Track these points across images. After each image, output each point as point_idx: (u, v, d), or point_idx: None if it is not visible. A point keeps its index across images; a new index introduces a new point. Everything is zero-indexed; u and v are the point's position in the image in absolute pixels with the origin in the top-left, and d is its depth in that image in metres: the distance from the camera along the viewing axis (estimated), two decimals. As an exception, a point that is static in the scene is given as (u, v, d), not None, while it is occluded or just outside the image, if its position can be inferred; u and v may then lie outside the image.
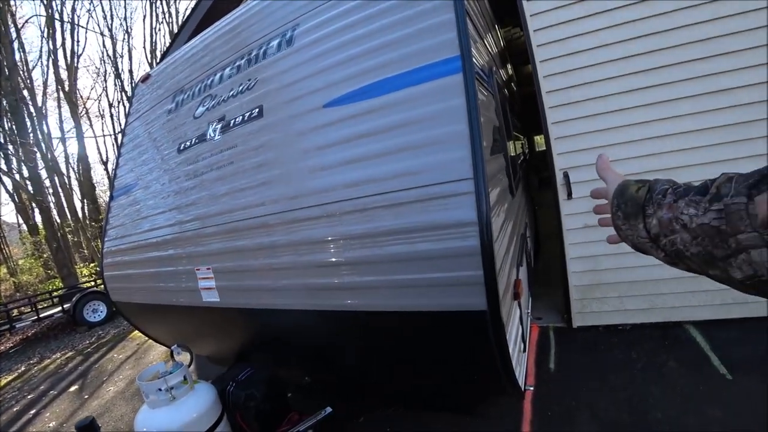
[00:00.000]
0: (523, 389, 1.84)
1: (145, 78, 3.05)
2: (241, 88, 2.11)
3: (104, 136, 19.71)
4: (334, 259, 1.69)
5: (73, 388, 5.05)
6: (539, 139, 11.88)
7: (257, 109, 1.99)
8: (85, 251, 16.31)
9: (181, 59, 2.68)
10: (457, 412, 2.67)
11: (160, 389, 2.00)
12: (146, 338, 4.38)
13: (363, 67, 1.68)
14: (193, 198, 2.26)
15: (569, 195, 3.24)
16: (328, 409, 2.32)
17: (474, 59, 1.63)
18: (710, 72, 2.91)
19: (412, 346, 1.74)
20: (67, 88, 16.43)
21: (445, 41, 1.54)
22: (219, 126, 2.17)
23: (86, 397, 4.64)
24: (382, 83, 1.60)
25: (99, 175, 20.27)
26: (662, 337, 3.29)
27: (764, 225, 0.39)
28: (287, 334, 2.21)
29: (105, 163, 19.77)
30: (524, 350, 2.06)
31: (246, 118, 2.04)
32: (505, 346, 1.46)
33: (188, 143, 2.34)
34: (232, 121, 2.11)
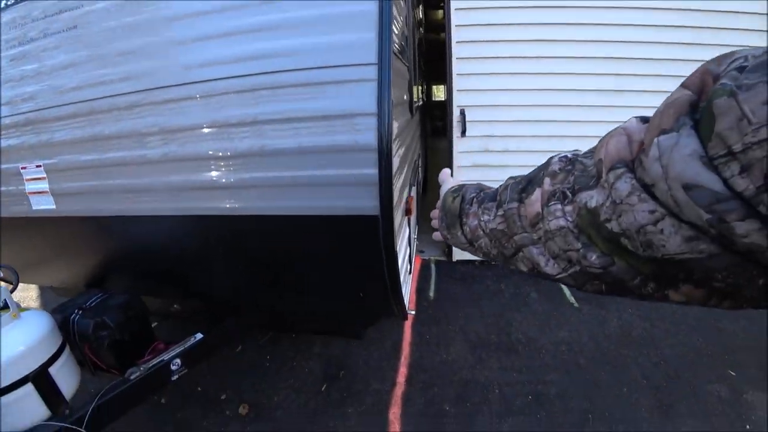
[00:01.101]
0: (407, 311, 1.85)
1: None
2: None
3: None
4: (211, 152, 1.42)
5: None
6: (437, 91, 12.16)
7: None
8: None
9: None
10: (343, 336, 2.68)
11: (-33, 319, 1.56)
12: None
13: None
14: (17, 72, 1.72)
15: (463, 132, 3.30)
16: (199, 335, 2.09)
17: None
18: (613, 39, 3.13)
19: (295, 259, 1.59)
20: None
21: None
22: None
23: None
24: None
25: None
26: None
27: (531, 225, 0.43)
28: (149, 249, 1.89)
29: None
30: (410, 272, 2.06)
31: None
32: (394, 258, 1.40)
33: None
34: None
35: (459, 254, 3.83)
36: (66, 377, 1.77)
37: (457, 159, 3.42)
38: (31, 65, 1.73)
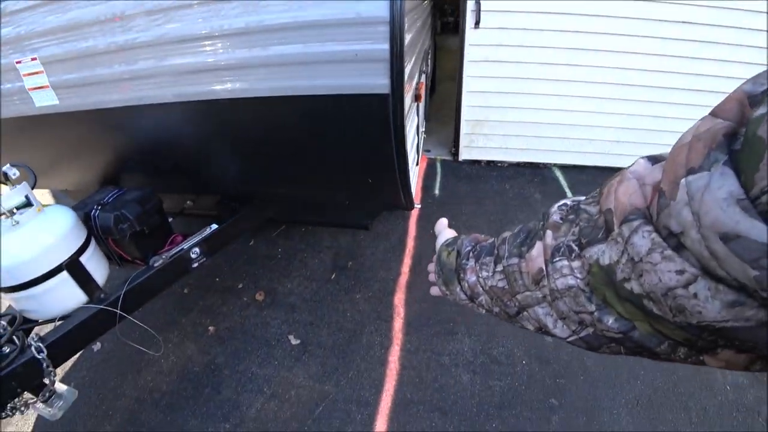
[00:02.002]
0: (413, 200, 1.89)
1: None
2: None
3: None
4: (205, 31, 1.35)
5: None
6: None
7: None
8: None
9: None
10: (351, 227, 2.79)
11: (-4, 215, 1.60)
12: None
13: None
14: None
15: (477, 23, 3.08)
16: (214, 226, 2.18)
17: None
18: None
19: (304, 142, 1.57)
20: None
21: None
22: None
23: None
24: None
25: None
26: (532, 174, 3.71)
27: (534, 282, 0.39)
28: (156, 140, 1.87)
29: None
30: (417, 163, 2.07)
31: None
32: (404, 139, 1.38)
33: None
34: None
35: (465, 154, 3.82)
36: (97, 266, 1.87)
37: (469, 53, 3.24)
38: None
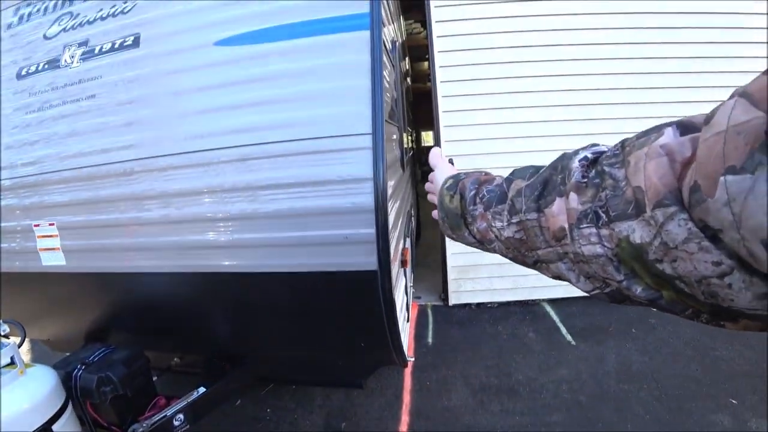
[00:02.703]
0: (406, 358, 1.89)
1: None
2: (113, 10, 1.75)
3: None
4: (209, 214, 1.54)
5: None
6: (426, 136, 12.55)
7: (133, 38, 1.69)
8: None
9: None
10: (344, 386, 2.68)
11: (-25, 376, 1.58)
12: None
13: (266, 9, 1.52)
14: (37, 135, 1.84)
15: (453, 181, 3.45)
16: (201, 389, 2.10)
17: (382, 22, 1.61)
18: (588, 87, 3.40)
19: (294, 312, 1.66)
20: None
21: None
22: (79, 52, 1.79)
23: None
24: (284, 27, 1.47)
25: None
26: (523, 312, 3.74)
27: (555, 239, 0.39)
28: (152, 304, 1.94)
29: None
30: (407, 320, 2.12)
31: (117, 46, 1.70)
32: (393, 308, 1.47)
33: (34, 68, 1.88)
34: (99, 48, 1.75)
35: (454, 299, 3.89)
36: (68, 435, 1.76)
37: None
38: (41, 132, 1.86)
